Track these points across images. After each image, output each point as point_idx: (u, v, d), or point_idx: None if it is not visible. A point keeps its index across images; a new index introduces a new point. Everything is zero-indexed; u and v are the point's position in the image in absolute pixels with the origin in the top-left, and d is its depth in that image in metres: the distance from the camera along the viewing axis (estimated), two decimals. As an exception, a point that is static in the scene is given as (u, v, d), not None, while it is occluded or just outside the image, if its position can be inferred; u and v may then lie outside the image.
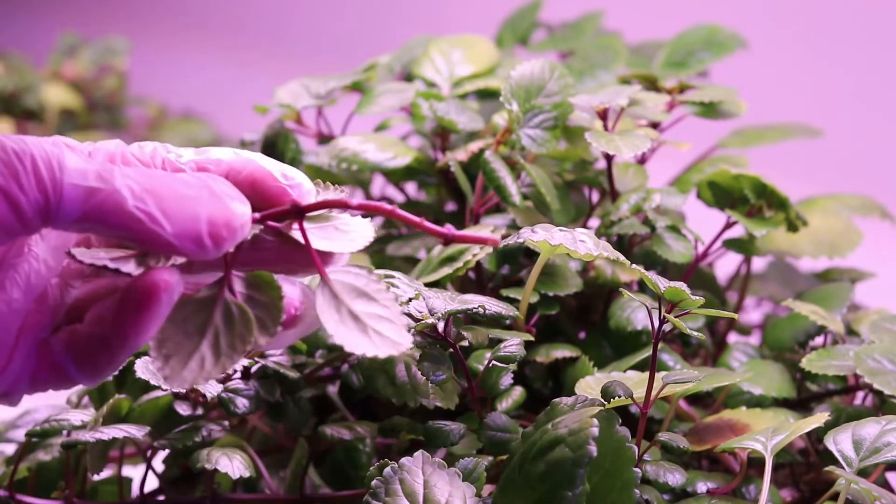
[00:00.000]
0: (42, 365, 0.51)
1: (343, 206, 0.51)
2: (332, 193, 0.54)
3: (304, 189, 0.53)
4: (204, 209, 0.49)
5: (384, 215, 0.51)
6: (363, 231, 0.53)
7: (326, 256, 0.53)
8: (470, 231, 0.51)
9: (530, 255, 0.73)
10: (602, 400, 0.60)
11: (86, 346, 0.51)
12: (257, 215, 0.51)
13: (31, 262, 0.51)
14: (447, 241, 0.51)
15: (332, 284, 0.50)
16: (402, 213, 0.50)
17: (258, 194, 0.52)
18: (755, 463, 0.65)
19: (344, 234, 0.53)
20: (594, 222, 0.77)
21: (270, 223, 0.52)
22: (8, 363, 0.51)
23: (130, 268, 0.50)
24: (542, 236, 0.64)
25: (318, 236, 0.52)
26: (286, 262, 0.53)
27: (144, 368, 0.63)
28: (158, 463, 0.70)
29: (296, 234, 0.52)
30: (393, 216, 0.51)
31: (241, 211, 0.50)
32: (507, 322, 0.65)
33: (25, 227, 0.47)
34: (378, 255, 0.77)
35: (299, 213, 0.51)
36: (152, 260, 0.50)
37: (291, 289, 0.54)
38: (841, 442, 0.61)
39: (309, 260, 0.51)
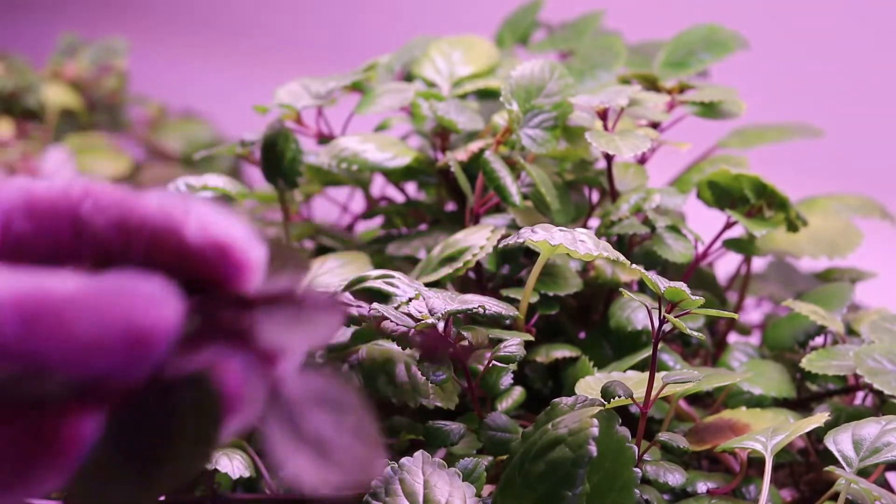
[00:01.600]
0: None
1: (293, 300, 0.40)
2: (290, 271, 0.42)
3: (249, 266, 0.41)
4: (113, 325, 0.38)
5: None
6: (329, 319, 0.41)
7: (276, 351, 0.41)
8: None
9: (530, 255, 0.73)
10: (602, 400, 0.60)
11: None
12: (187, 306, 0.40)
13: None
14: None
15: (286, 394, 0.40)
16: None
17: (188, 267, 0.42)
18: (755, 463, 0.65)
19: (304, 324, 0.41)
20: (594, 222, 0.77)
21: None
22: None
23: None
24: (542, 236, 0.64)
25: (271, 326, 0.40)
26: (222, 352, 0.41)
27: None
28: (158, 463, 0.69)
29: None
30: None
31: (164, 317, 0.39)
32: (507, 322, 0.65)
33: None
34: (378, 255, 0.77)
35: (245, 305, 0.41)
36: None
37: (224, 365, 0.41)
38: (841, 442, 0.61)
39: (253, 349, 0.41)
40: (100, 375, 0.39)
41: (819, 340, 0.75)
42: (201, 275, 0.42)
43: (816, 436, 0.69)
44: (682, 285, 0.60)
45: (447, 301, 0.63)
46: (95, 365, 0.39)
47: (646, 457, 0.62)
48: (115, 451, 0.40)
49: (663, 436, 0.62)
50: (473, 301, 0.63)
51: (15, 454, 0.41)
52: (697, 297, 0.60)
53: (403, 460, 0.58)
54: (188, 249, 0.42)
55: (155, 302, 0.39)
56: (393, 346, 0.66)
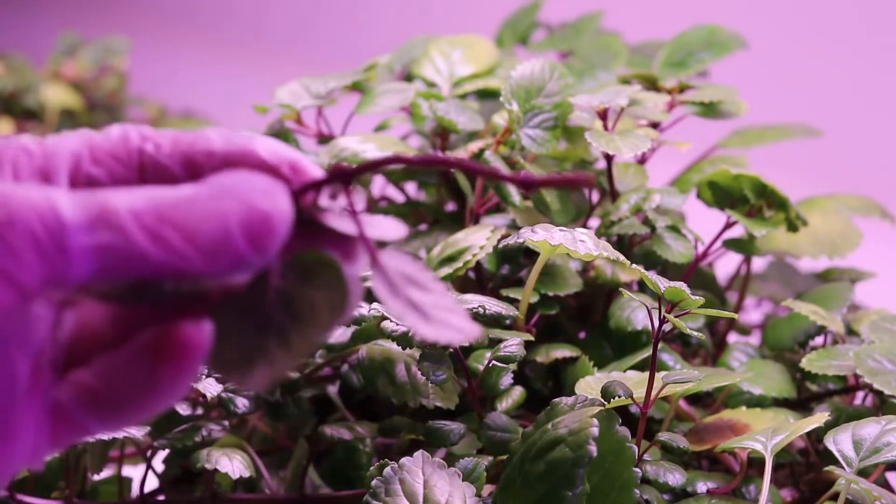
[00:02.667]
0: (59, 426, 0.43)
1: (401, 161, 0.43)
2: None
3: (316, 181, 0.44)
4: (234, 219, 0.40)
5: (452, 167, 0.44)
6: (391, 222, 0.44)
7: (350, 248, 0.44)
8: (556, 175, 0.43)
9: (530, 255, 0.73)
10: (602, 400, 0.60)
11: (111, 406, 0.43)
12: (297, 187, 0.43)
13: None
14: (528, 187, 0.42)
15: (387, 269, 0.43)
16: (471, 164, 0.43)
17: None
18: (755, 463, 0.65)
19: (371, 228, 0.44)
20: (594, 222, 0.77)
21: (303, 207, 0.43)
22: (16, 435, 0.41)
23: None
24: (542, 236, 0.64)
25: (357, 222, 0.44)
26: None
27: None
28: (158, 463, 0.70)
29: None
30: (461, 167, 0.43)
31: (280, 205, 0.41)
32: (507, 322, 0.65)
33: (29, 302, 0.40)
34: (378, 255, 0.77)
35: (345, 178, 0.43)
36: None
37: None
38: (841, 442, 0.61)
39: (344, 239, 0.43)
40: (228, 272, 0.41)
41: (819, 340, 0.75)
42: None
43: (816, 436, 0.69)
44: (682, 285, 0.60)
45: (447, 301, 0.62)
46: (224, 260, 0.40)
47: (646, 457, 0.62)
48: (243, 320, 0.42)
49: (663, 436, 0.62)
50: (473, 301, 0.63)
51: (154, 374, 0.43)
52: (697, 297, 0.60)
53: (403, 460, 0.58)
54: (265, 167, 0.43)
55: (269, 191, 0.41)
56: (393, 346, 0.66)
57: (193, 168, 0.44)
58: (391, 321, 0.62)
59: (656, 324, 0.61)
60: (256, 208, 0.41)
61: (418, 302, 0.42)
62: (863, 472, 0.61)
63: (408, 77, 0.85)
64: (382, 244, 0.45)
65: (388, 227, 0.44)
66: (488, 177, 0.43)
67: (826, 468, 0.61)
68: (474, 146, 0.75)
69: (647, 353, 0.68)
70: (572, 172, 0.41)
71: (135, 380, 0.43)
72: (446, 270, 0.69)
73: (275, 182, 0.42)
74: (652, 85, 0.80)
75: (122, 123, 0.45)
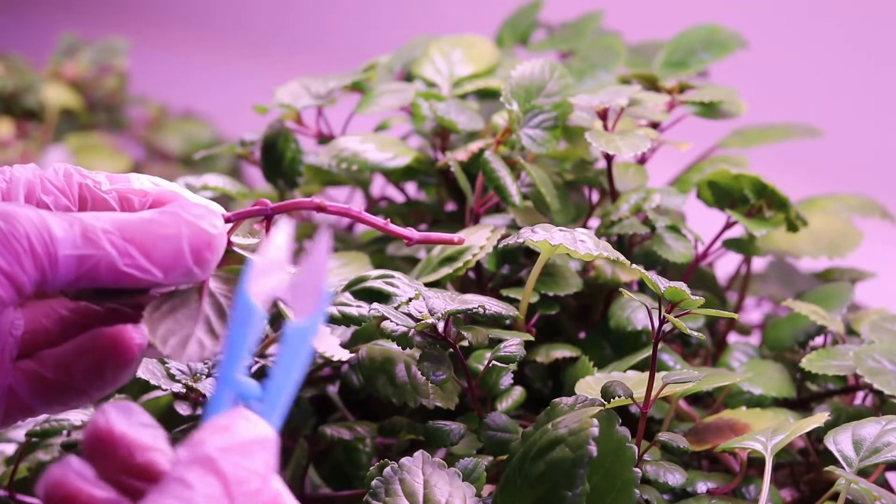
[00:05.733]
0: (11, 407, 0.53)
1: (316, 208, 0.54)
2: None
3: (223, 226, 0.54)
4: (185, 242, 0.51)
5: (352, 218, 0.54)
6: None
7: None
8: (433, 234, 0.57)
9: (530, 255, 0.73)
10: (602, 400, 0.60)
11: (57, 393, 0.54)
12: (229, 214, 0.53)
13: None
14: (410, 242, 0.55)
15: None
16: (367, 216, 0.54)
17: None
18: (755, 463, 0.66)
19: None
20: (594, 222, 0.77)
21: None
22: None
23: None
24: (542, 236, 0.64)
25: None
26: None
27: (145, 368, 0.63)
28: (158, 463, 0.69)
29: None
30: (360, 220, 0.54)
31: (218, 228, 0.52)
32: (507, 322, 0.65)
33: (22, 299, 0.49)
34: (378, 254, 0.77)
35: (268, 214, 0.55)
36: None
37: None
38: (841, 442, 0.61)
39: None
40: (178, 282, 0.51)
41: (819, 340, 0.75)
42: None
43: (816, 436, 0.69)
44: (682, 285, 0.60)
45: (447, 301, 0.63)
46: (176, 273, 0.51)
47: (646, 457, 0.62)
48: (178, 311, 0.52)
49: (663, 436, 0.62)
50: (473, 301, 0.63)
51: (101, 368, 0.54)
52: (697, 297, 0.60)
53: (403, 460, 0.58)
54: (189, 210, 0.52)
55: (211, 217, 0.52)
56: (393, 346, 0.66)
57: (128, 205, 0.54)
58: (391, 321, 0.62)
59: (656, 324, 0.61)
60: (203, 231, 0.51)
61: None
62: (863, 472, 0.61)
63: (408, 77, 0.85)
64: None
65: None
66: (377, 228, 0.56)
67: (826, 468, 0.61)
68: (474, 146, 0.75)
69: (647, 353, 0.68)
70: (446, 234, 0.58)
71: (83, 371, 0.53)
72: (446, 270, 0.69)
73: (214, 210, 0.52)
74: (652, 85, 0.80)
75: (63, 164, 0.54)
